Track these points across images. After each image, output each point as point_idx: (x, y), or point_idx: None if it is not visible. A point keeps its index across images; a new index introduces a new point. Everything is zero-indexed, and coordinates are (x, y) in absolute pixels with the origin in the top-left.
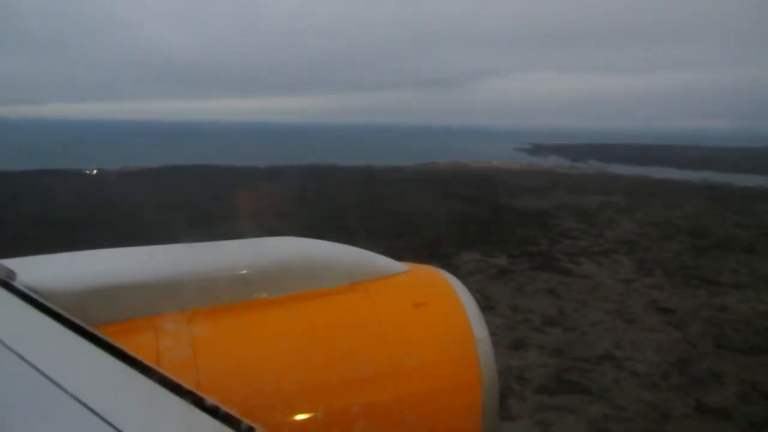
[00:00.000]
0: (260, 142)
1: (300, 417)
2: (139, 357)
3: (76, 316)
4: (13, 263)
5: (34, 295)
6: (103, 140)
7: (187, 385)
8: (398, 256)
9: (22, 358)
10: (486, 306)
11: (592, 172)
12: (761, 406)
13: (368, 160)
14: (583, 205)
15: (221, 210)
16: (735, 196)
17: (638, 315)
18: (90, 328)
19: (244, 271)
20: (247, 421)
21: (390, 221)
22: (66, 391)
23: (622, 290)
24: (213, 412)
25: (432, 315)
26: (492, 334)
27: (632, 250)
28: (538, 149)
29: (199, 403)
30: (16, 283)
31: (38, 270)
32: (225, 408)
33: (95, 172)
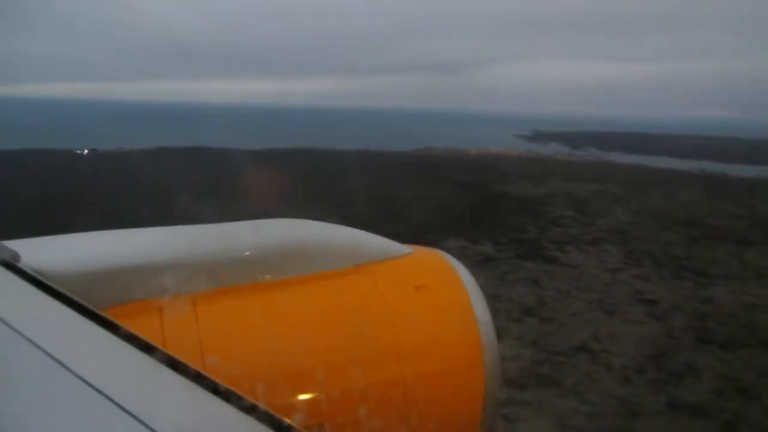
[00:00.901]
0: (260, 124)
1: (304, 397)
2: (145, 338)
3: (82, 298)
4: (18, 245)
5: (39, 277)
6: (99, 121)
7: (192, 366)
8: None
9: (27, 339)
10: None
11: (590, 160)
12: (737, 402)
13: (366, 144)
14: (578, 193)
15: (204, 191)
16: (731, 187)
17: (620, 306)
18: (95, 310)
19: (248, 253)
20: (250, 400)
21: (379, 206)
22: (72, 372)
23: (608, 280)
24: (218, 392)
25: (435, 297)
26: None
27: (623, 239)
28: (538, 136)
29: (204, 382)
30: (20, 265)
31: (43, 252)
32: (229, 387)
33: (86, 152)
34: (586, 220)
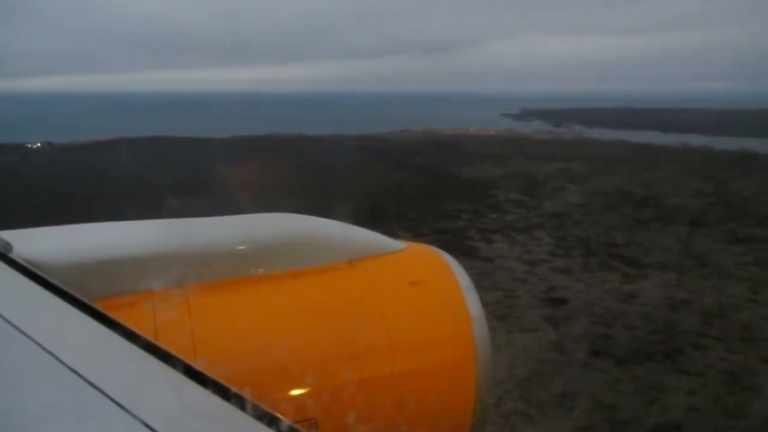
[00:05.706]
0: (238, 112)
1: (296, 391)
2: (137, 330)
3: (74, 290)
4: (10, 235)
5: (32, 268)
6: (78, 113)
7: (184, 359)
8: None
9: (18, 330)
10: None
11: (567, 138)
12: None
13: (340, 129)
14: (536, 174)
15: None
16: (709, 161)
17: (519, 309)
18: (88, 302)
19: (242, 247)
20: (240, 393)
21: (305, 193)
22: (64, 364)
23: (522, 275)
24: (209, 385)
25: (428, 293)
26: None
27: (561, 224)
28: (525, 114)
29: (195, 376)
30: (12, 256)
31: (35, 242)
32: (220, 381)
33: (38, 145)
34: (530, 204)
